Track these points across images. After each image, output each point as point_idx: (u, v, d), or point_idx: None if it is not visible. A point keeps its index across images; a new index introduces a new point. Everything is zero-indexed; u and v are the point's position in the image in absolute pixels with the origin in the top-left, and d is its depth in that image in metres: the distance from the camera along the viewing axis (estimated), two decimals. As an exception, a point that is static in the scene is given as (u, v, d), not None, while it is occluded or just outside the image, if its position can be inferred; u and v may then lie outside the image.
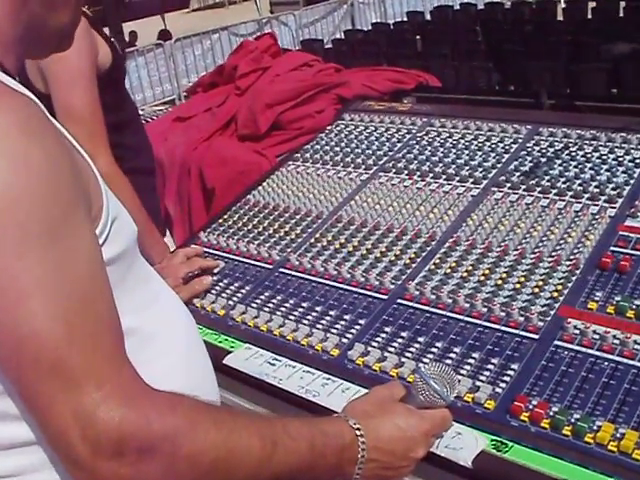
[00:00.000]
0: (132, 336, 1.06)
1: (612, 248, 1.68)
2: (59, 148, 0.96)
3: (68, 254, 0.92)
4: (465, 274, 1.71)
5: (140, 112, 5.43)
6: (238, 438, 1.01)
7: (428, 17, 13.78)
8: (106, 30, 2.62)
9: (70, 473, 0.93)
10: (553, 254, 1.70)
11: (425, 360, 1.51)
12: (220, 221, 2.29)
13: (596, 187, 1.89)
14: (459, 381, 1.36)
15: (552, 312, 1.54)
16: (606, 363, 1.39)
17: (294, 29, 14.48)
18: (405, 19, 13.86)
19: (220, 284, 1.98)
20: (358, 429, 1.17)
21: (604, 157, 2.01)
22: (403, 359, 1.53)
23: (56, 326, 0.89)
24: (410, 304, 1.68)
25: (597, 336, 1.45)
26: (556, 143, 2.14)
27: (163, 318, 1.23)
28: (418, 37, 11.40)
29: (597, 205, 1.83)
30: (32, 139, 0.92)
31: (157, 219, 2.77)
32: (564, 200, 1.87)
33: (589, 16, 11.63)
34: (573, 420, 1.29)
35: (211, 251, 2.15)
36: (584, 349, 1.43)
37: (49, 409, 0.89)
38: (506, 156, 2.13)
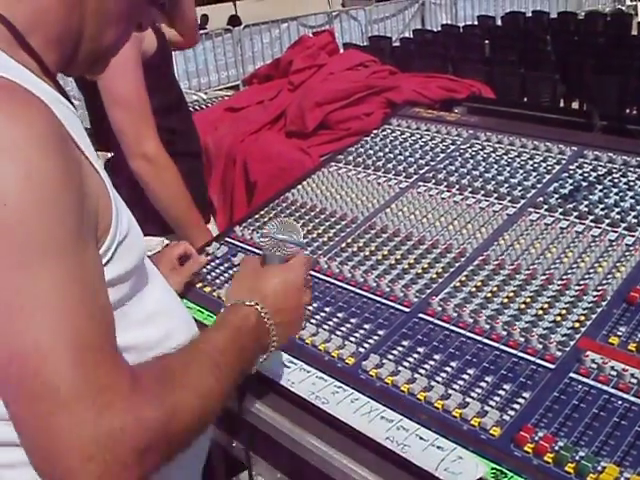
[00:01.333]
0: (130, 352, 1.08)
1: (643, 282, 1.64)
2: (72, 166, 0.96)
3: (72, 270, 0.93)
4: (489, 294, 1.69)
5: (204, 96, 5.49)
6: (205, 387, 1.07)
7: (499, 22, 13.63)
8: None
9: None
10: (581, 282, 1.67)
11: (437, 379, 1.50)
12: (256, 217, 2.30)
13: (635, 217, 1.85)
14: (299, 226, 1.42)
15: (572, 343, 1.51)
16: (620, 402, 1.36)
17: (363, 24, 14.43)
18: (475, 23, 13.72)
19: (248, 280, 1.99)
20: (256, 303, 1.25)
21: (647, 186, 1.96)
22: (416, 375, 1.52)
23: (57, 341, 0.89)
24: (431, 319, 1.67)
25: (614, 372, 1.42)
26: (599, 167, 2.10)
27: (163, 334, 1.25)
28: (487, 42, 11.27)
29: (633, 236, 1.79)
30: (46, 156, 0.92)
31: (203, 203, 2.79)
32: (600, 228, 1.84)
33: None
34: (578, 457, 1.26)
35: (244, 246, 2.16)
36: (599, 385, 1.41)
37: (41, 428, 0.88)
38: (547, 177, 2.10)
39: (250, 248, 2.13)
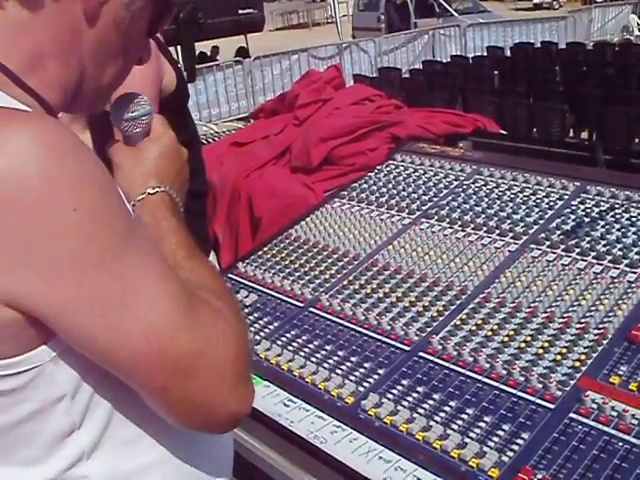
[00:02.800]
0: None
1: (644, 321, 1.63)
2: (100, 162, 0.99)
3: (147, 248, 0.99)
4: (490, 333, 1.69)
5: (215, 127, 5.53)
6: (212, 280, 1.16)
7: (508, 53, 13.69)
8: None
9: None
10: (582, 321, 1.66)
11: (436, 418, 1.49)
12: (260, 253, 2.31)
13: (637, 254, 1.84)
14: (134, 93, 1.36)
15: (572, 382, 1.50)
16: (620, 444, 1.35)
17: (373, 56, 14.51)
18: (485, 54, 13.79)
19: (250, 317, 2.00)
20: (158, 187, 1.26)
21: (649, 223, 1.96)
22: (415, 415, 1.51)
23: (172, 309, 0.96)
24: (431, 358, 1.67)
25: (615, 413, 1.41)
26: (602, 203, 2.09)
27: None
28: (496, 72, 11.32)
29: (635, 273, 1.78)
30: (85, 157, 0.95)
31: (204, 242, 2.80)
32: (602, 264, 1.83)
33: (675, 62, 11.38)
34: (576, 500, 1.26)
35: (247, 283, 2.17)
36: (599, 425, 1.40)
37: (196, 382, 0.97)
38: (549, 212, 2.10)
39: (252, 285, 2.14)
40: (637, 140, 8.13)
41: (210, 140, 4.37)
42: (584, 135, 9.20)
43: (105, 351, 0.93)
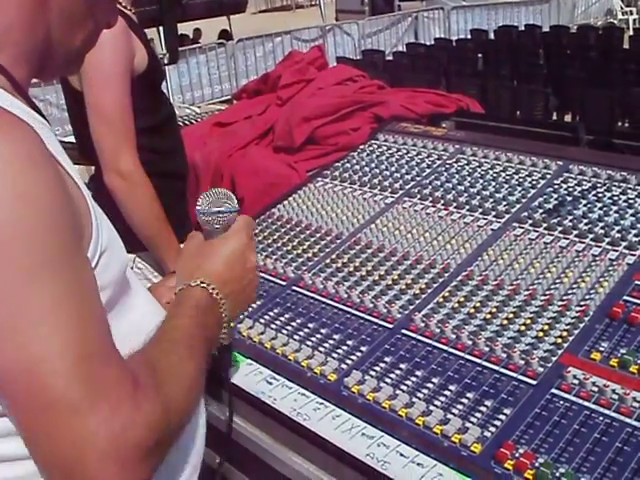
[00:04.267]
0: None
1: (625, 297, 1.64)
2: (58, 180, 0.97)
3: (70, 282, 0.93)
4: (472, 310, 1.69)
5: (197, 110, 5.50)
6: (188, 373, 1.10)
7: (492, 36, 13.69)
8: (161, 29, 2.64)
9: None
10: (564, 298, 1.66)
11: (419, 395, 1.49)
12: (242, 233, 2.30)
13: (618, 232, 1.85)
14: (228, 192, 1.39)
15: (554, 359, 1.51)
16: (601, 418, 1.36)
17: (357, 38, 14.48)
18: (469, 36, 13.78)
19: (233, 296, 1.99)
20: (202, 282, 1.26)
21: (631, 201, 1.96)
22: (397, 391, 1.51)
23: (63, 352, 0.89)
24: (414, 335, 1.67)
25: (596, 388, 1.42)
26: (584, 182, 2.10)
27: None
28: (480, 55, 11.32)
29: (617, 251, 1.79)
30: (36, 174, 0.92)
31: (183, 224, 2.79)
32: (584, 243, 1.84)
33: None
34: (558, 474, 1.26)
35: (229, 261, 2.15)
36: (580, 401, 1.40)
37: (57, 437, 0.89)
38: (532, 191, 2.10)
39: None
40: (619, 122, 8.15)
41: (192, 122, 4.34)
42: (567, 118, 9.22)
43: None
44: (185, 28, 14.89)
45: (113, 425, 0.89)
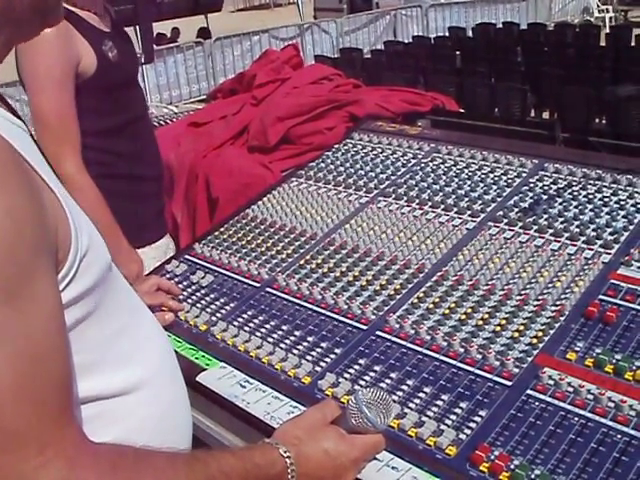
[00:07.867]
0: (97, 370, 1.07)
1: (600, 297, 1.62)
2: (24, 196, 0.91)
3: (23, 312, 0.88)
4: (447, 311, 1.67)
5: (175, 109, 5.46)
6: None
7: (470, 33, 13.72)
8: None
9: None
10: (539, 298, 1.65)
11: (393, 397, 1.47)
12: (216, 234, 2.28)
13: (594, 230, 1.84)
14: (396, 409, 1.34)
15: (529, 359, 1.49)
16: (576, 419, 1.35)
17: (334, 36, 14.46)
18: (446, 34, 13.80)
19: (207, 298, 1.97)
20: (288, 457, 1.17)
21: (606, 199, 1.95)
22: (372, 395, 1.49)
23: (2, 387, 0.85)
24: (388, 337, 1.65)
25: (571, 389, 1.41)
26: (560, 180, 2.09)
27: (136, 349, 1.22)
28: (458, 53, 11.33)
29: (592, 250, 1.78)
30: (2, 190, 0.88)
31: (158, 224, 2.77)
32: (559, 241, 1.83)
33: (632, 43, 11.49)
34: (533, 476, 1.24)
35: (203, 264, 2.13)
36: (556, 401, 1.39)
37: None
38: (507, 190, 2.09)
39: (209, 266, 2.11)
40: (597, 119, 8.18)
41: (169, 122, 4.31)
42: (545, 115, 9.26)
43: None
44: (163, 27, 14.82)
45: (38, 477, 0.86)
